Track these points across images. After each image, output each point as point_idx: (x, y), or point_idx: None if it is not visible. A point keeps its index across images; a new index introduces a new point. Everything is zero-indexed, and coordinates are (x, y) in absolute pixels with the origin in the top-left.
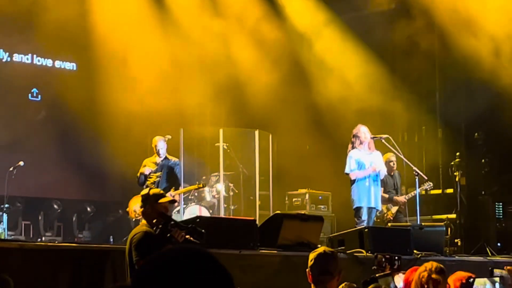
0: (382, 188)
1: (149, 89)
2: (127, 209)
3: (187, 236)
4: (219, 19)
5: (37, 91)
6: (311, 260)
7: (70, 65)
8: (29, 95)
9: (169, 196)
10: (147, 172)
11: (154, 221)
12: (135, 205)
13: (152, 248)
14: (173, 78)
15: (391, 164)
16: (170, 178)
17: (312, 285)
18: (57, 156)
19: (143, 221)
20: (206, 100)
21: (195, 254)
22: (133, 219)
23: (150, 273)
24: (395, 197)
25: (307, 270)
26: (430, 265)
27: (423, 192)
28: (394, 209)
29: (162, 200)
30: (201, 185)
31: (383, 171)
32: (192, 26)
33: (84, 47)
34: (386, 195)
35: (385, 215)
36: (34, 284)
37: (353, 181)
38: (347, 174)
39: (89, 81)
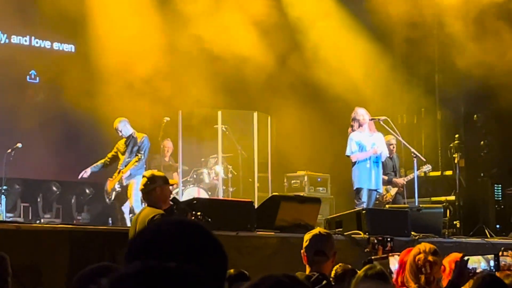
0: (382, 170)
1: (148, 71)
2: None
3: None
4: (216, 2)
5: (35, 73)
6: (306, 241)
7: (68, 47)
8: (27, 77)
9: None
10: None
11: (165, 205)
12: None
13: None
14: (171, 60)
15: (391, 147)
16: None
17: (307, 266)
18: (55, 138)
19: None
20: (204, 82)
21: (191, 226)
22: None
23: (145, 242)
24: (394, 179)
25: (302, 251)
26: (424, 247)
27: (422, 174)
28: (393, 191)
29: (172, 182)
30: (139, 157)
31: (385, 153)
32: (190, 8)
33: (82, 29)
34: (386, 177)
35: (384, 196)
36: (32, 265)
37: (354, 163)
38: (348, 156)
39: (88, 63)
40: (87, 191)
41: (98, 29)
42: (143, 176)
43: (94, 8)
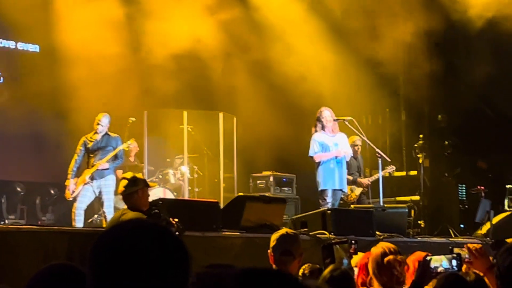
0: (346, 170)
1: (112, 71)
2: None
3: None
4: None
5: None
6: (273, 241)
7: (33, 47)
8: None
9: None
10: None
11: (145, 207)
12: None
13: None
14: (136, 60)
15: (356, 147)
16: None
17: (273, 266)
18: (20, 138)
19: (125, 206)
20: (170, 82)
21: (154, 227)
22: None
23: (108, 244)
24: (359, 179)
25: (268, 251)
26: (388, 247)
27: (387, 175)
28: (358, 191)
29: (152, 185)
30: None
31: (349, 153)
32: (154, 7)
33: (47, 29)
34: (350, 177)
35: (349, 196)
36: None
37: (317, 164)
38: (311, 157)
39: (52, 63)
40: (52, 191)
41: (62, 29)
42: (124, 178)
43: (59, 8)
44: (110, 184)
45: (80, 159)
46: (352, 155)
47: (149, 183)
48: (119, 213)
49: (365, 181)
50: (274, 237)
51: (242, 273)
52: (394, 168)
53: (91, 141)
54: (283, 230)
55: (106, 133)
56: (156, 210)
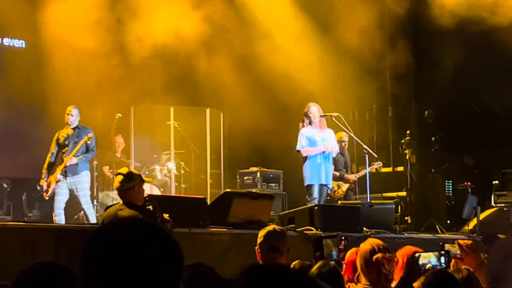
0: (333, 166)
1: (99, 67)
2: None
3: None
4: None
5: None
6: (260, 238)
7: (19, 43)
8: None
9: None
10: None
11: (141, 203)
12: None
13: None
14: (122, 55)
15: (343, 143)
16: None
17: (260, 262)
18: (6, 134)
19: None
20: (156, 77)
21: (148, 226)
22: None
23: (103, 241)
24: (346, 175)
25: (256, 247)
26: (376, 243)
27: (374, 171)
28: (345, 187)
29: (147, 180)
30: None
31: (335, 149)
32: (140, 4)
33: (33, 25)
34: (337, 173)
35: (336, 192)
36: None
37: (304, 159)
38: (299, 151)
39: (38, 59)
40: (38, 187)
41: (48, 25)
42: (119, 174)
43: (44, 3)
44: (83, 181)
45: (54, 156)
46: (338, 151)
47: (144, 178)
48: (114, 209)
49: (352, 177)
50: (261, 233)
51: (252, 269)
52: (381, 164)
53: (63, 136)
54: (270, 227)
55: (78, 126)
56: (151, 206)
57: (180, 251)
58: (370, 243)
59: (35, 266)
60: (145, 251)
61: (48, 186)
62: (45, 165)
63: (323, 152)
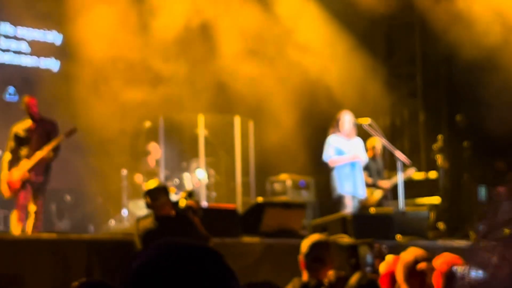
0: (366, 172)
1: (127, 77)
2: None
3: None
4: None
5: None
6: (305, 248)
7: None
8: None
9: None
10: None
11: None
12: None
13: None
14: (150, 64)
15: (376, 150)
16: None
17: (304, 271)
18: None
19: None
20: (185, 86)
21: (198, 249)
22: None
23: (150, 267)
24: (379, 182)
25: (299, 256)
26: (420, 255)
27: (408, 177)
28: (378, 193)
29: (171, 190)
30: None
31: (364, 159)
32: (167, 10)
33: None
34: (370, 180)
35: (369, 199)
36: (14, 276)
37: (332, 168)
38: (325, 161)
39: (67, 70)
40: (68, 197)
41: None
42: (147, 191)
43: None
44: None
45: (11, 153)
46: (367, 159)
47: (168, 188)
48: (147, 221)
49: (385, 183)
50: (306, 243)
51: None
52: (414, 169)
53: (23, 130)
54: (315, 237)
55: (40, 118)
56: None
57: (233, 273)
58: (413, 253)
59: (83, 285)
60: (195, 277)
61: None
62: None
63: (351, 162)
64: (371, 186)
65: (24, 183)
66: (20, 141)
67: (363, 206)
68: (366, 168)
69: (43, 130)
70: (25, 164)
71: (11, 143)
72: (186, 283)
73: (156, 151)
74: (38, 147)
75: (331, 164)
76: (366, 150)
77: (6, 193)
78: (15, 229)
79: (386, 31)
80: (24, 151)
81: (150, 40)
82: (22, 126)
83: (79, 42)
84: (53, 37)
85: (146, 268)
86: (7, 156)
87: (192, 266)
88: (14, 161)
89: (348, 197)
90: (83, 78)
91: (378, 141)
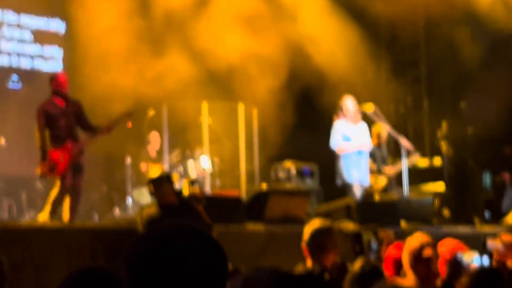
0: (371, 159)
1: (129, 66)
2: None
3: None
4: None
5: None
6: (307, 235)
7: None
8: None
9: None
10: None
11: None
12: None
13: None
14: (154, 54)
15: (381, 136)
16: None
17: (307, 258)
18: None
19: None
20: (188, 74)
21: (193, 233)
22: None
23: (147, 249)
24: (385, 168)
25: (302, 244)
26: (425, 239)
27: (412, 164)
28: (382, 180)
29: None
30: None
31: (369, 145)
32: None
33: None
34: (374, 166)
35: (374, 186)
36: (24, 265)
37: (339, 156)
38: (332, 148)
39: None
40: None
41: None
42: (150, 180)
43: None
44: None
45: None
46: (372, 146)
47: (171, 176)
48: (151, 210)
49: (391, 169)
50: (308, 230)
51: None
52: (418, 155)
53: (55, 109)
54: (316, 223)
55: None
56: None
57: (225, 256)
58: (418, 239)
59: (80, 273)
60: (189, 258)
61: None
62: None
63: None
64: (375, 172)
65: (73, 166)
66: (52, 120)
67: (368, 193)
68: (371, 155)
69: (73, 110)
70: (73, 146)
71: (42, 121)
72: (177, 267)
73: (156, 141)
74: (71, 127)
75: (338, 152)
76: (371, 136)
77: (53, 173)
78: (66, 214)
79: (389, 17)
80: (58, 130)
81: (154, 27)
82: (53, 104)
83: (83, 30)
84: (56, 25)
85: (139, 255)
86: (44, 134)
87: (183, 246)
88: (53, 141)
89: (356, 186)
90: (86, 66)
91: (384, 128)
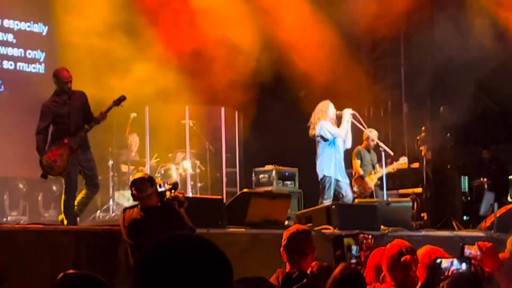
0: (359, 161)
1: (112, 67)
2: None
3: None
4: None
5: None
6: (284, 240)
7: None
8: None
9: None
10: None
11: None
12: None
13: None
14: (136, 55)
15: (370, 141)
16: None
17: (287, 263)
18: (22, 134)
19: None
20: (172, 77)
21: (195, 242)
22: None
23: (153, 260)
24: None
25: (281, 249)
26: (404, 247)
27: (392, 170)
28: (372, 184)
29: (158, 182)
30: None
31: (348, 143)
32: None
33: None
34: (361, 171)
35: (365, 188)
36: (2, 267)
37: (319, 153)
38: (334, 137)
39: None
40: (54, 188)
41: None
42: (133, 181)
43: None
44: None
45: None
46: (349, 147)
47: (154, 179)
48: (133, 212)
49: (380, 171)
50: (285, 235)
51: None
52: (406, 159)
53: (60, 105)
54: (294, 228)
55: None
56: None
57: (232, 275)
58: (397, 244)
59: (66, 278)
60: (198, 270)
61: None
62: None
63: (335, 144)
64: (367, 175)
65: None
66: (57, 117)
67: (359, 195)
68: (360, 158)
69: (78, 103)
70: (70, 141)
71: (48, 118)
72: (185, 275)
73: (134, 143)
74: (78, 121)
75: (341, 137)
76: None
77: (53, 173)
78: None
79: (370, 23)
80: (64, 126)
81: (137, 31)
82: (58, 101)
83: (65, 33)
84: (39, 28)
85: (148, 264)
86: (41, 137)
87: (190, 259)
88: (58, 137)
89: (334, 182)
90: (68, 69)
91: (374, 133)
